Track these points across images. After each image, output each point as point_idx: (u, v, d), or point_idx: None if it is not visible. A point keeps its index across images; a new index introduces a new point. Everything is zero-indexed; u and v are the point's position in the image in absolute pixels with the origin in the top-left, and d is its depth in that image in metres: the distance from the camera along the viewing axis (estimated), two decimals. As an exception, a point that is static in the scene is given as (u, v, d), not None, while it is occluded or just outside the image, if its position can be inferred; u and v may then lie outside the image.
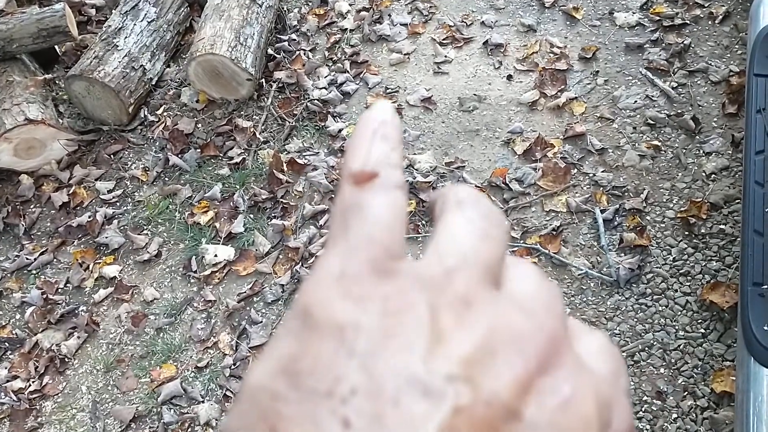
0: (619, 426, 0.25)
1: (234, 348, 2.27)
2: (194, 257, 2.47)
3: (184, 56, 3.01)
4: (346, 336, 0.22)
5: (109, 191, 2.72)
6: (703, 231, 2.20)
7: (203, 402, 2.18)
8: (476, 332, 0.22)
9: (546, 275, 0.27)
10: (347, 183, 0.25)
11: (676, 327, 2.05)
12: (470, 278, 0.23)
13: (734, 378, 1.85)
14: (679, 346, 2.02)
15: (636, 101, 2.58)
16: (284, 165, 2.62)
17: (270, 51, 2.96)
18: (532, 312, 0.24)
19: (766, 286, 1.54)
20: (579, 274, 2.20)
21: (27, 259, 2.59)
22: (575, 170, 2.44)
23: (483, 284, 0.24)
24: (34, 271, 2.58)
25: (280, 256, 2.44)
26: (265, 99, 2.84)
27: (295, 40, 3.06)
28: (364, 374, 0.21)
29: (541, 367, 0.22)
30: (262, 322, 2.30)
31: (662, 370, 1.99)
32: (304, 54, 3.00)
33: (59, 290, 2.51)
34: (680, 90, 2.57)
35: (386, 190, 0.25)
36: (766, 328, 1.48)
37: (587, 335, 0.27)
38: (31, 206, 2.75)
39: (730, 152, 2.36)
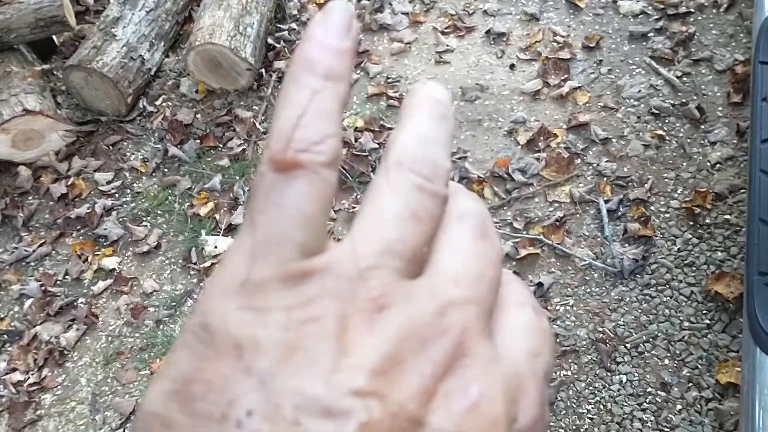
0: (525, 420, 0.23)
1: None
2: (194, 249, 2.45)
3: (183, 46, 2.99)
4: (245, 353, 0.20)
5: (108, 182, 2.70)
6: (707, 221, 2.18)
7: (203, 394, 2.16)
8: (386, 339, 0.20)
9: (487, 214, 0.25)
10: (266, 167, 0.22)
11: (681, 318, 2.03)
12: (387, 275, 0.21)
13: (739, 369, 1.83)
14: (683, 337, 1.99)
15: (640, 90, 2.55)
16: (284, 155, 2.59)
17: (270, 40, 2.94)
18: (449, 300, 0.22)
19: (773, 276, 1.52)
20: (583, 265, 2.18)
21: (25, 251, 2.57)
22: (579, 160, 2.42)
23: (401, 280, 0.21)
24: (32, 263, 2.56)
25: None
26: (265, 89, 2.82)
27: (295, 29, 3.03)
28: (262, 395, 0.19)
29: (447, 367, 0.21)
30: (262, 313, 2.28)
31: (666, 361, 1.97)
32: (305, 44, 2.96)
33: (58, 282, 2.49)
34: (685, 79, 2.54)
35: (311, 175, 0.22)
36: (773, 318, 1.46)
37: (517, 309, 0.25)
38: (30, 198, 2.73)
39: (735, 142, 2.34)
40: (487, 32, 2.88)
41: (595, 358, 2.01)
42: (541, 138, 2.49)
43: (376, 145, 2.59)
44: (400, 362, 0.20)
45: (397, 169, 0.23)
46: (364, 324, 0.20)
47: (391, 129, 2.63)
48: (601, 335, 2.05)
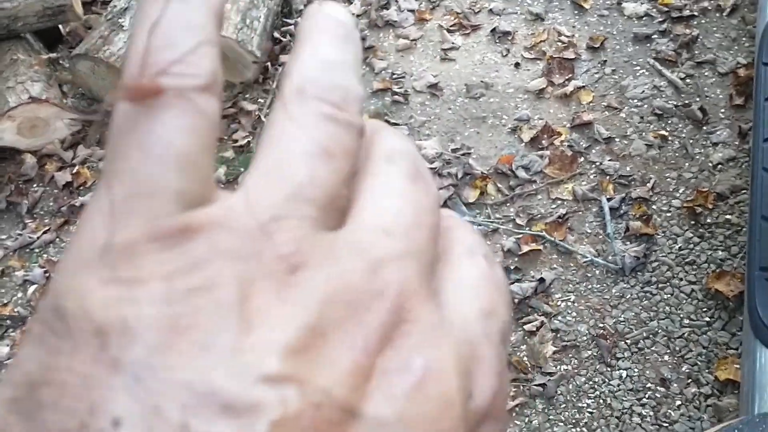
0: (482, 394, 0.19)
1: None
2: (198, 238, 2.47)
3: (189, 38, 3.00)
4: (110, 341, 0.15)
5: (113, 171, 2.71)
6: (709, 221, 2.20)
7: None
8: (303, 307, 0.16)
9: (410, 143, 0.21)
10: (122, 99, 0.17)
11: (681, 315, 2.05)
12: (298, 227, 0.17)
13: (738, 366, 1.86)
14: (683, 334, 2.02)
15: (643, 91, 2.57)
16: (289, 148, 2.61)
17: (276, 34, 2.95)
18: (381, 255, 0.17)
19: (774, 272, 1.54)
20: (584, 262, 2.20)
21: (30, 237, 2.58)
22: (582, 159, 2.44)
23: (316, 232, 0.17)
24: (36, 250, 2.57)
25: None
26: (271, 82, 2.83)
27: (301, 24, 3.05)
28: (135, 395, 0.14)
29: (384, 338, 0.17)
30: (265, 304, 2.29)
31: (666, 358, 1.99)
32: (311, 38, 2.98)
33: (61, 269, 2.50)
34: (688, 81, 2.57)
35: (180, 103, 0.17)
36: (774, 313, 1.48)
37: (464, 260, 0.21)
38: (34, 185, 2.74)
39: (736, 143, 2.36)
40: (493, 31, 2.90)
41: (595, 354, 2.03)
42: (545, 136, 2.51)
43: (381, 140, 2.60)
44: (323, 336, 0.16)
45: (298, 98, 0.19)
46: (273, 289, 0.16)
47: (396, 124, 2.65)
48: (601, 331, 2.07)
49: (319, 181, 0.18)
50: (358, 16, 3.07)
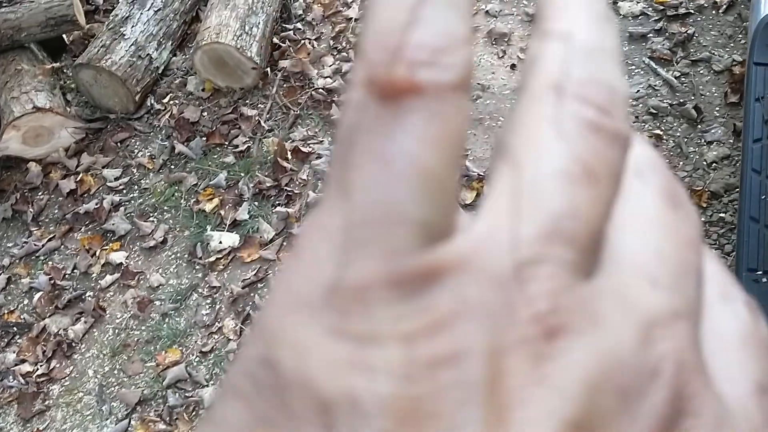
0: None
1: (238, 333, 2.30)
2: (199, 244, 2.51)
3: (190, 45, 3.04)
4: (336, 423, 0.13)
5: (116, 179, 2.75)
6: (703, 219, 2.22)
7: (207, 386, 2.22)
8: (566, 394, 0.13)
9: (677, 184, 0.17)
10: (361, 93, 0.14)
11: (675, 314, 2.07)
12: (555, 275, 0.13)
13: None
14: (677, 333, 2.03)
15: (639, 90, 2.59)
16: (288, 153, 2.65)
17: (275, 40, 2.99)
18: (652, 316, 0.14)
19: (761, 272, 1.56)
20: (579, 262, 2.22)
21: (35, 245, 2.63)
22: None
23: (575, 281, 0.14)
24: (41, 257, 2.62)
25: (284, 244, 2.46)
26: (270, 88, 2.87)
27: (300, 29, 3.08)
28: None
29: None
30: (265, 307, 2.33)
31: (660, 357, 2.01)
32: (309, 43, 3.02)
33: (66, 276, 2.55)
34: (683, 79, 2.58)
35: (434, 104, 0.14)
36: (760, 313, 1.50)
37: (722, 307, 0.17)
38: (39, 193, 2.78)
39: (731, 141, 2.37)
40: (489, 32, 2.92)
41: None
42: (541, 137, 2.53)
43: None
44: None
45: (555, 96, 0.15)
46: (529, 363, 0.13)
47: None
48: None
49: (580, 213, 0.14)
50: (356, 20, 3.10)
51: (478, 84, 2.75)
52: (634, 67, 2.67)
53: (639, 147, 0.17)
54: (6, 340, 2.44)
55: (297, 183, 2.60)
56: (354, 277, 0.13)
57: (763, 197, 1.66)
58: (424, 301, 0.13)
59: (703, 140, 2.40)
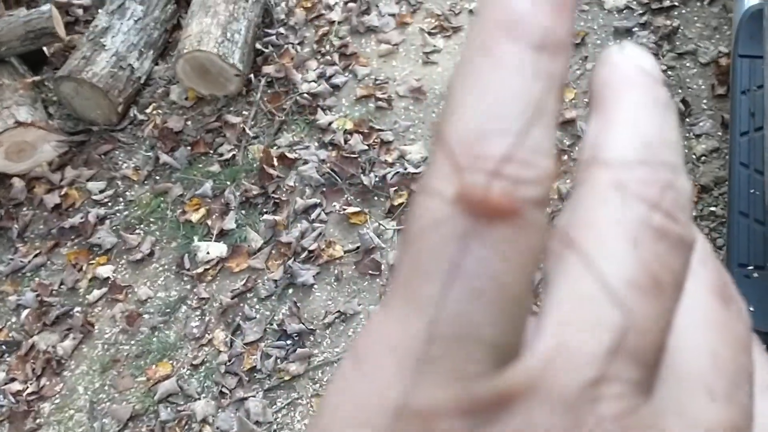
0: None
1: (229, 345, 2.27)
2: (187, 255, 2.48)
3: (172, 54, 3.01)
4: None
5: (101, 191, 2.72)
6: (693, 213, 2.20)
7: (199, 399, 2.19)
8: None
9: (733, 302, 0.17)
10: (445, 203, 0.14)
11: (668, 311, 2.05)
12: (622, 395, 0.13)
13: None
14: (671, 329, 2.01)
15: (625, 85, 2.56)
16: (275, 160, 2.62)
17: (258, 45, 2.96)
18: (712, 430, 0.14)
19: (751, 267, 1.54)
20: (570, 261, 2.20)
21: (21, 261, 2.60)
22: (566, 156, 2.44)
23: (640, 401, 0.13)
24: (28, 274, 2.58)
25: (273, 252, 2.44)
26: (254, 94, 2.84)
27: (283, 33, 3.05)
28: None
29: None
30: (256, 318, 2.30)
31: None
32: (293, 47, 2.99)
33: (54, 292, 2.52)
34: (669, 73, 2.56)
35: (517, 223, 0.13)
36: (752, 309, 1.48)
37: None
38: (24, 209, 2.75)
39: (720, 134, 2.35)
40: (473, 31, 2.89)
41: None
42: (528, 135, 2.51)
43: (366, 147, 2.61)
44: None
45: (618, 194, 0.14)
46: None
47: (380, 130, 2.65)
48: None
49: (646, 327, 0.14)
50: (339, 22, 3.07)
51: (464, 84, 2.73)
52: (619, 61, 2.65)
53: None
54: (-7, 359, 2.42)
55: (284, 190, 2.57)
56: (422, 401, 0.13)
57: (752, 191, 1.64)
58: (494, 429, 0.13)
59: (691, 133, 2.38)
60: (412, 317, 0.13)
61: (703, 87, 2.49)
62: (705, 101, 2.45)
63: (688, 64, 2.57)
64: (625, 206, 0.14)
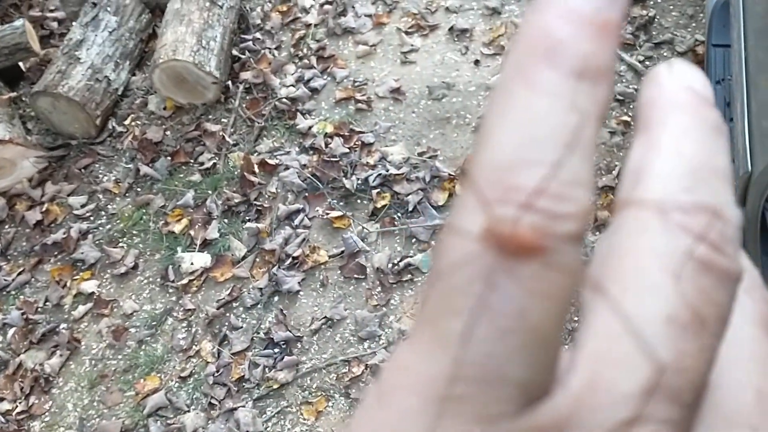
0: None
1: (216, 355, 2.26)
2: (171, 267, 2.46)
3: (149, 64, 2.99)
4: None
5: (82, 206, 2.70)
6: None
7: (189, 411, 2.18)
8: None
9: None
10: (474, 240, 0.13)
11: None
12: None
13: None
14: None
15: (603, 77, 2.56)
16: (255, 166, 2.61)
17: (235, 52, 2.94)
18: None
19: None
20: (555, 257, 2.20)
21: (5, 280, 2.58)
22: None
23: None
24: (12, 292, 2.56)
25: (257, 260, 2.43)
26: (233, 101, 2.82)
27: (259, 39, 3.03)
28: None
29: None
30: (242, 327, 2.29)
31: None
32: (270, 52, 2.97)
33: (39, 309, 2.50)
34: (647, 63, 2.56)
35: (549, 260, 0.13)
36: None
37: None
38: (6, 227, 2.73)
39: (699, 123, 2.35)
40: (450, 29, 2.88)
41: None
42: (509, 132, 2.50)
43: (347, 150, 2.60)
44: None
45: (663, 226, 0.14)
46: None
47: (361, 132, 2.64)
48: (577, 322, 2.06)
49: (686, 366, 0.13)
50: (315, 25, 3.06)
51: (443, 83, 2.72)
52: (597, 53, 2.64)
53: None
54: (-20, 380, 2.40)
55: (266, 197, 2.56)
56: None
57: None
58: None
59: (670, 124, 2.38)
60: (437, 354, 0.13)
61: (680, 76, 2.49)
62: (683, 90, 2.45)
63: (665, 54, 2.57)
64: (667, 237, 0.13)
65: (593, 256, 0.15)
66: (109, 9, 2.96)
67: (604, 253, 0.14)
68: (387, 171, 2.50)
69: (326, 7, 3.10)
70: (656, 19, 2.67)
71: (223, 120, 2.80)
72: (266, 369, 2.19)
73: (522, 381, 0.13)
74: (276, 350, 2.22)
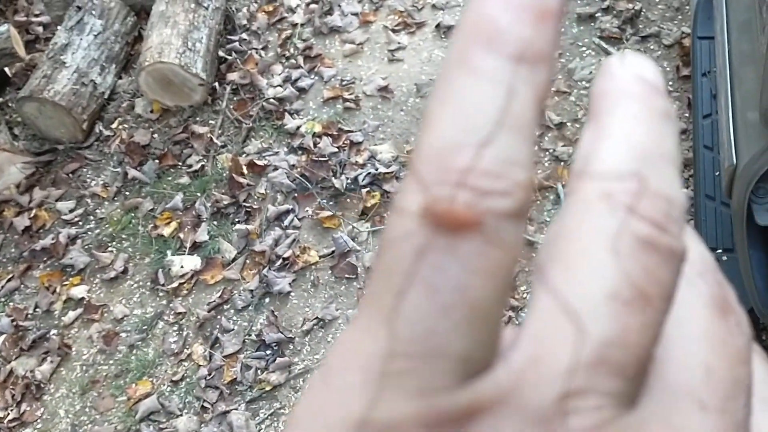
0: None
1: (208, 358, 2.25)
2: (161, 270, 2.45)
3: (135, 66, 2.97)
4: None
5: (71, 211, 2.69)
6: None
7: (181, 415, 2.17)
8: None
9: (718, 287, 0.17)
10: (412, 218, 0.13)
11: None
12: (599, 408, 0.13)
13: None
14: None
15: (591, 72, 2.56)
16: (244, 168, 2.60)
17: (221, 53, 2.93)
18: None
19: (720, 251, 1.54)
20: (545, 252, 2.19)
21: (-6, 287, 2.56)
22: (535, 147, 2.43)
23: (620, 412, 0.13)
24: (2, 299, 2.55)
25: (247, 261, 2.42)
26: (220, 102, 2.81)
27: (246, 39, 3.02)
28: None
29: None
30: (233, 329, 2.28)
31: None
32: (256, 53, 2.96)
33: (29, 316, 2.49)
34: (634, 56, 2.55)
35: (489, 235, 0.13)
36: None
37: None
38: (-6, 233, 2.71)
39: (686, 115, 2.35)
40: (437, 26, 2.88)
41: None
42: (497, 128, 2.50)
43: (336, 149, 2.59)
44: None
45: (605, 205, 0.14)
46: None
47: (349, 132, 2.64)
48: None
49: (630, 341, 0.13)
50: (302, 25, 3.05)
51: (431, 80, 2.71)
52: (584, 48, 2.64)
53: (690, 248, 0.15)
54: (-30, 389, 2.38)
55: (255, 198, 2.55)
56: (384, 414, 0.13)
57: (717, 174, 1.64)
58: None
59: (658, 117, 2.38)
60: (375, 330, 0.13)
61: (668, 69, 2.49)
62: (670, 83, 2.45)
63: (652, 47, 2.57)
64: (611, 217, 0.14)
65: (544, 239, 0.15)
66: (93, 12, 2.94)
67: (551, 236, 0.14)
68: (376, 170, 2.50)
69: (312, 6, 3.09)
70: (642, 12, 2.67)
71: (210, 122, 2.79)
72: (258, 371, 2.18)
73: (463, 356, 0.13)
74: (268, 352, 2.21)
